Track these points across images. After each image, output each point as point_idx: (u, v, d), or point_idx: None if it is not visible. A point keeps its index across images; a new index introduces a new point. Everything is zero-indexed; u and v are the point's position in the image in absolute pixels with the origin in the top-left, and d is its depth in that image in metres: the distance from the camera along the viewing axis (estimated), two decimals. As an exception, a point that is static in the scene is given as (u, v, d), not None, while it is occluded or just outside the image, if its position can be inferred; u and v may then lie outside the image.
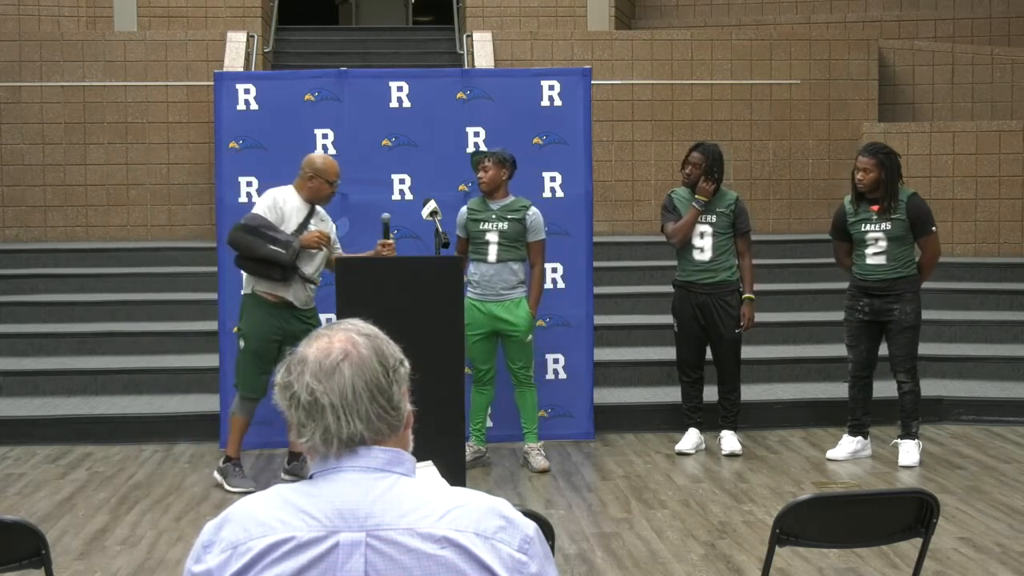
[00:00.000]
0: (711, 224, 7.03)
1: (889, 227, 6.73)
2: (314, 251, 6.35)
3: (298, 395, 1.87)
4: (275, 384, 1.93)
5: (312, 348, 1.91)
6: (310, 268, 6.37)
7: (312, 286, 6.46)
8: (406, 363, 1.95)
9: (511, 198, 6.80)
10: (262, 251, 6.20)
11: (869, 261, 6.81)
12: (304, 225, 6.36)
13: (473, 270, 6.77)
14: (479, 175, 6.74)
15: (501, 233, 6.70)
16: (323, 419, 1.86)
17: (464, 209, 6.83)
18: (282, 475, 6.59)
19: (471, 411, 6.87)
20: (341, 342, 1.90)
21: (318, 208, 6.50)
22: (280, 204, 6.33)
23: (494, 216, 6.72)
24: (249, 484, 6.40)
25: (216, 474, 6.55)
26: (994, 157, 10.38)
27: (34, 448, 7.35)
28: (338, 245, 6.62)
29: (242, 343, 6.45)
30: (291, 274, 6.28)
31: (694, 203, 7.00)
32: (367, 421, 1.87)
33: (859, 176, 6.72)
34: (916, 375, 6.87)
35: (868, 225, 6.78)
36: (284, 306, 6.37)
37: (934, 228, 6.81)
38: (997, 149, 10.38)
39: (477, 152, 6.95)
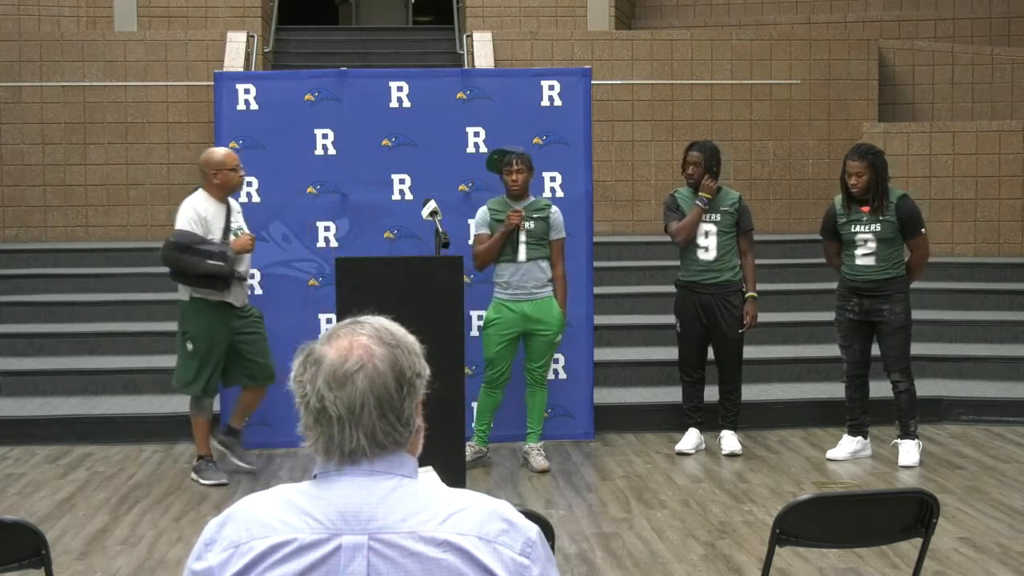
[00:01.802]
0: (715, 223, 7.03)
1: (879, 228, 6.73)
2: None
3: (308, 398, 1.87)
4: (291, 375, 1.91)
5: (331, 349, 1.88)
6: (243, 267, 6.53)
7: (245, 282, 6.61)
8: (425, 372, 1.93)
9: (532, 198, 6.84)
10: (202, 267, 6.30)
11: (858, 262, 6.81)
12: (227, 226, 6.45)
13: (501, 271, 6.77)
14: (512, 178, 6.71)
15: (528, 232, 6.72)
16: (328, 428, 1.86)
17: (485, 209, 6.83)
18: (215, 443, 6.68)
19: (478, 412, 6.87)
20: (360, 349, 1.87)
21: (232, 203, 6.59)
22: (201, 214, 6.40)
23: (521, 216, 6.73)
24: (222, 476, 6.54)
25: (192, 474, 6.64)
26: (994, 157, 10.37)
27: (34, 448, 7.35)
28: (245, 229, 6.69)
29: (190, 346, 6.50)
30: (232, 281, 6.39)
31: (697, 201, 7.00)
32: (371, 437, 1.86)
33: (852, 181, 6.70)
34: (911, 374, 6.86)
35: (858, 226, 6.78)
36: (225, 306, 6.49)
37: (923, 230, 6.81)
38: (997, 149, 10.37)
39: (501, 150, 6.88)
